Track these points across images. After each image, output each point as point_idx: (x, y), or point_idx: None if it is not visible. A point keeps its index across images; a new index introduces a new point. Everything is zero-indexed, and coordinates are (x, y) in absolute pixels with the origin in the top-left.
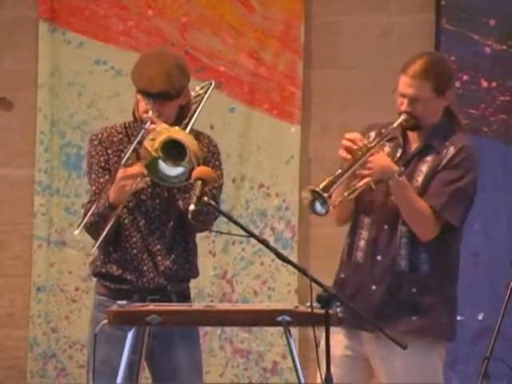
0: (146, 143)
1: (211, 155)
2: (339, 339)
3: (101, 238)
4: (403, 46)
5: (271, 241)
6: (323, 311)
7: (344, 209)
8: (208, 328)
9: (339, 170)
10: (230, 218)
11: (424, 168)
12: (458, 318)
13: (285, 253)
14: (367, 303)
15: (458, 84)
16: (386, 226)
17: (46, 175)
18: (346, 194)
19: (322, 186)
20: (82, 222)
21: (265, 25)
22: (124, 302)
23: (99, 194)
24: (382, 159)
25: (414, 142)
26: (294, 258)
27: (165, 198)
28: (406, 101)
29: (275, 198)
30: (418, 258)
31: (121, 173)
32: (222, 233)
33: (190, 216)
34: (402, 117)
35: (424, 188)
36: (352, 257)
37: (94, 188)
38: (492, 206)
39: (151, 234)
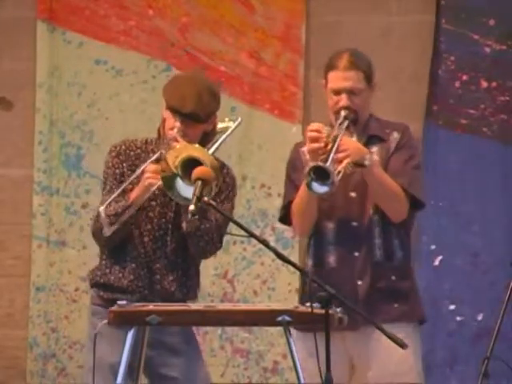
0: (169, 157)
1: (225, 186)
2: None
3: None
4: (403, 45)
5: (272, 240)
6: (323, 311)
7: (307, 218)
8: (208, 328)
9: (322, 156)
10: (231, 219)
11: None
12: (458, 318)
13: (285, 253)
14: (353, 300)
15: (457, 84)
16: (354, 223)
17: (45, 175)
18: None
19: (320, 162)
20: (108, 201)
21: (265, 25)
22: (124, 302)
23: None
24: (353, 141)
25: (355, 138)
26: (294, 258)
27: (170, 218)
28: (344, 95)
29: (277, 197)
30: (392, 245)
31: (150, 167)
32: None
33: (189, 216)
34: (343, 112)
35: None
36: (324, 264)
37: (107, 198)
38: (492, 206)
39: (153, 252)
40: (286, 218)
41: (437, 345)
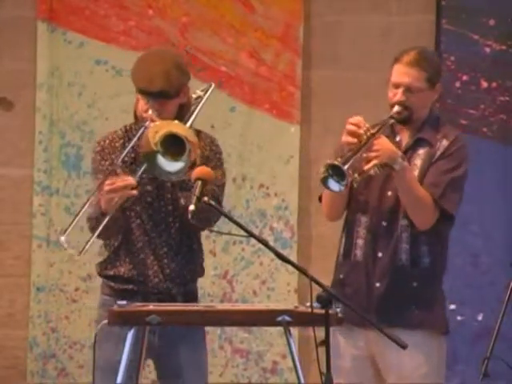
0: (149, 134)
1: (213, 154)
2: (346, 339)
3: (93, 238)
4: (403, 46)
5: (270, 241)
6: (323, 311)
7: (335, 204)
8: (208, 328)
9: (349, 153)
10: (230, 218)
11: (418, 161)
12: (458, 318)
13: (284, 253)
14: (369, 300)
15: (457, 84)
16: (384, 223)
17: (45, 175)
18: (355, 175)
19: (338, 161)
20: (70, 224)
21: (265, 25)
22: (124, 302)
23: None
24: (387, 143)
25: (403, 137)
26: (293, 258)
27: (169, 199)
28: (400, 90)
29: (274, 197)
30: (420, 251)
31: (108, 184)
32: (222, 233)
33: (189, 216)
34: (396, 108)
35: (421, 181)
36: (351, 256)
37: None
38: (492, 206)
39: (158, 237)
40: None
41: None
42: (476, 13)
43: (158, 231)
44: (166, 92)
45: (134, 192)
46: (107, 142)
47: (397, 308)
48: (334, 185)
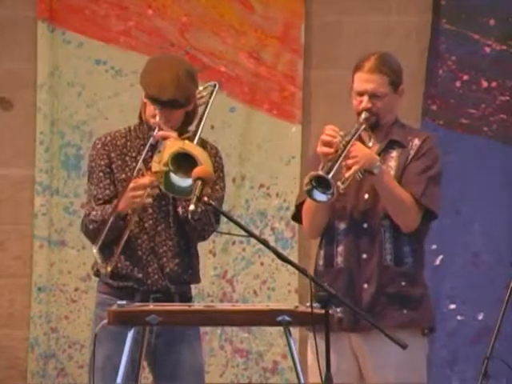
0: (155, 160)
1: (216, 166)
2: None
3: (99, 242)
4: (403, 45)
5: (271, 241)
6: (323, 311)
7: (317, 222)
8: (208, 328)
9: (329, 162)
10: (230, 218)
11: (392, 163)
12: (458, 317)
13: (285, 253)
14: (358, 302)
15: (458, 84)
16: (365, 225)
17: (46, 175)
18: (339, 183)
19: (322, 172)
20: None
21: (265, 25)
22: (124, 302)
23: (100, 199)
24: (364, 148)
25: (373, 142)
26: (294, 258)
27: (169, 199)
28: (365, 97)
29: (275, 198)
30: (402, 251)
31: (132, 183)
32: (222, 233)
33: (189, 216)
34: (364, 115)
35: (397, 182)
36: (333, 264)
37: (94, 192)
38: (492, 206)
39: (158, 236)
40: (298, 216)
41: (437, 344)
42: (476, 13)
43: (157, 230)
44: (177, 101)
45: (157, 190)
46: (108, 138)
47: (387, 308)
48: (320, 196)
